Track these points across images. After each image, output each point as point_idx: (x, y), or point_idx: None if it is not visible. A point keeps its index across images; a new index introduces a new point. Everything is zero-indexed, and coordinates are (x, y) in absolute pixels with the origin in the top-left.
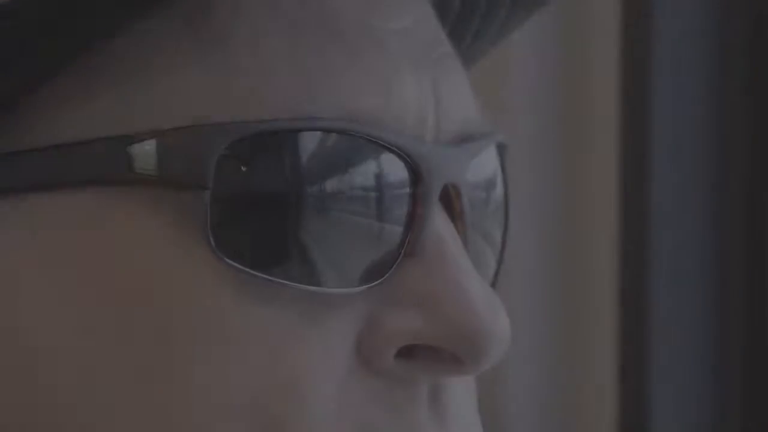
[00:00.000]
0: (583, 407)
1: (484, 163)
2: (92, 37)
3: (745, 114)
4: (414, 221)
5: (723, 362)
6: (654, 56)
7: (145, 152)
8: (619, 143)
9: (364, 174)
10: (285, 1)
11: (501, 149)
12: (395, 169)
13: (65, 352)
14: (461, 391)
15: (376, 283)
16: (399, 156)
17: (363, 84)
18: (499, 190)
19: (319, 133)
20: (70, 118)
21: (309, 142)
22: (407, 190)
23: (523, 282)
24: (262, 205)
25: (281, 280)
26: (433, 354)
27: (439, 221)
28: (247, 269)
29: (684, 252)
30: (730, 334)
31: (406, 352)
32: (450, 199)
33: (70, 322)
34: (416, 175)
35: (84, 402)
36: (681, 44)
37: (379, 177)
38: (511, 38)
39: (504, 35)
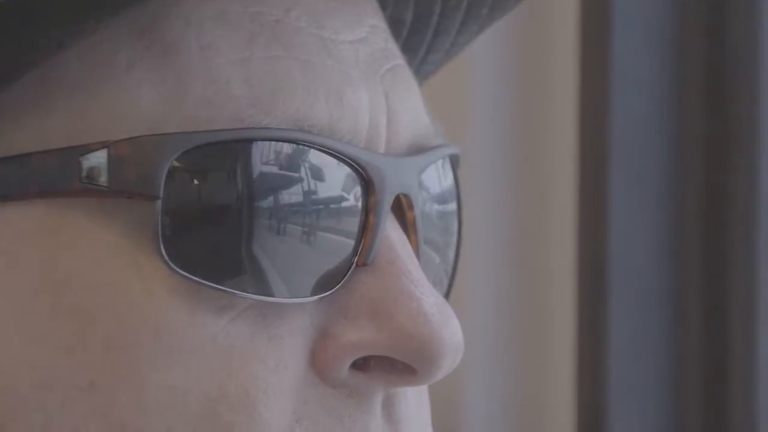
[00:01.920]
0: (540, 417)
1: (437, 174)
2: (44, 49)
3: (702, 128)
4: (366, 231)
5: (681, 368)
6: (612, 66)
7: (96, 163)
8: (578, 152)
9: (316, 184)
10: (236, 14)
11: (453, 161)
12: (347, 180)
13: (16, 362)
14: (414, 403)
15: (328, 292)
16: (351, 166)
17: (315, 95)
18: (451, 201)
19: (271, 143)
20: (23, 130)
21: (261, 153)
22: (359, 200)
23: (479, 292)
24: (213, 215)
25: (233, 291)
26: (386, 364)
27: (390, 231)
28: (198, 280)
29: (642, 261)
30: (689, 339)
31: (361, 363)
32: (402, 210)
33: (22, 332)
34: (368, 185)
35: (35, 413)
36: (639, 50)
37: (331, 187)
38: (467, 50)
39: (458, 49)
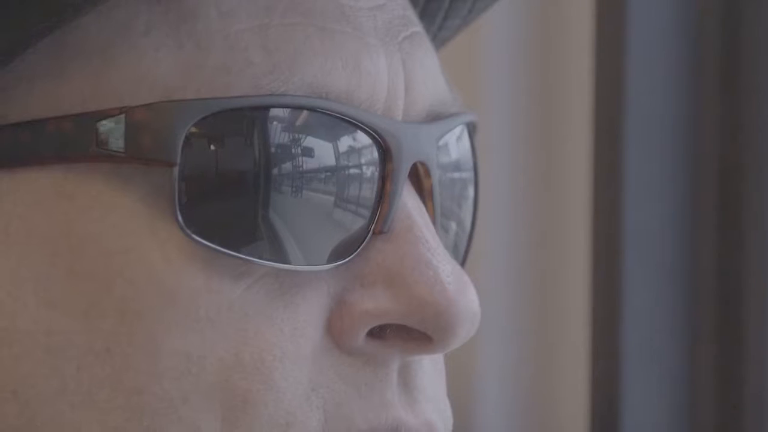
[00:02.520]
0: (553, 388)
1: (454, 143)
2: (60, 13)
3: (718, 126)
4: (383, 199)
5: (695, 353)
6: (629, 33)
7: (113, 129)
8: (594, 126)
9: (333, 152)
10: None
11: (471, 128)
12: (365, 147)
13: (32, 327)
14: (430, 372)
15: (344, 261)
16: (368, 134)
17: (334, 62)
18: (468, 169)
19: (288, 110)
20: (40, 95)
21: (278, 120)
22: (376, 167)
23: (495, 262)
24: (230, 182)
25: (249, 258)
26: (403, 332)
27: (407, 199)
28: (214, 246)
29: (657, 241)
30: (702, 326)
31: (377, 331)
32: (419, 178)
33: (37, 296)
34: (386, 153)
35: (50, 378)
36: (656, 27)
37: (348, 155)
38: (483, 18)
39: (476, 14)
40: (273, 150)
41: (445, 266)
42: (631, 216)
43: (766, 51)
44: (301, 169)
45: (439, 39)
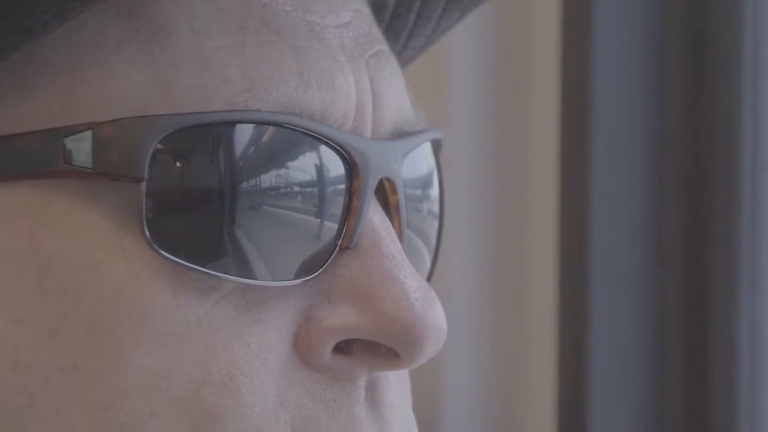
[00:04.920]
0: (521, 404)
1: (419, 159)
2: (28, 29)
3: (683, 119)
4: (349, 215)
5: (662, 362)
6: (594, 51)
7: (81, 145)
8: (559, 139)
9: (300, 168)
10: None
11: (436, 145)
12: (332, 163)
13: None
14: (397, 388)
15: (311, 276)
16: (335, 150)
17: (309, 81)
18: (434, 185)
19: (256, 126)
20: (8, 111)
21: (246, 135)
22: (343, 183)
23: (461, 277)
24: (197, 198)
25: (216, 273)
26: (369, 348)
27: (374, 215)
28: (182, 262)
29: (624, 259)
30: (670, 335)
31: (344, 347)
32: (386, 194)
33: (5, 313)
34: (352, 169)
35: (18, 395)
36: (621, 42)
37: (315, 171)
38: (449, 36)
39: (439, 34)
40: (240, 166)
41: (412, 282)
42: (598, 232)
43: (733, 65)
44: (268, 185)
45: (403, 58)
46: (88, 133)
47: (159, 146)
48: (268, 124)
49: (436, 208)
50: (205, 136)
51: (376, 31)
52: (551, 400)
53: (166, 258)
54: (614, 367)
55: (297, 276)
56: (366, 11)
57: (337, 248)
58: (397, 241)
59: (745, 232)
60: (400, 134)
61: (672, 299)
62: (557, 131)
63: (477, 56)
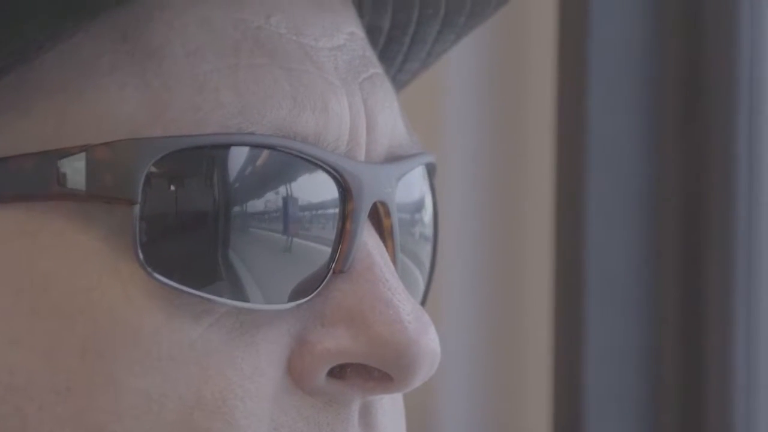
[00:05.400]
0: (516, 427)
1: (413, 183)
2: (22, 51)
3: (679, 134)
4: (343, 238)
5: (657, 380)
6: (589, 72)
7: (75, 167)
8: (555, 162)
9: (294, 191)
10: (220, 20)
11: (430, 169)
12: (326, 187)
13: None
14: (390, 411)
15: (305, 299)
16: (329, 173)
17: (303, 104)
18: (428, 209)
19: (251, 149)
20: (1, 133)
21: (239, 158)
22: (337, 207)
23: (456, 300)
24: (191, 220)
25: (210, 296)
26: (363, 372)
27: (368, 238)
28: (175, 285)
29: (619, 268)
30: (665, 351)
31: (337, 371)
32: (380, 218)
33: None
34: (346, 193)
35: (11, 417)
36: (617, 55)
37: (309, 194)
38: (444, 58)
39: (435, 57)
40: (234, 189)
41: (406, 305)
42: (594, 254)
43: (726, 86)
44: (261, 208)
45: (398, 81)
46: (82, 156)
47: (153, 169)
48: (262, 147)
49: (429, 231)
50: (199, 158)
51: (371, 55)
52: (546, 424)
53: (160, 281)
54: (609, 391)
55: (290, 299)
56: (360, 34)
57: (331, 272)
58: (391, 264)
59: (741, 245)
60: (394, 158)
61: (668, 319)
62: (553, 155)
63: (472, 80)
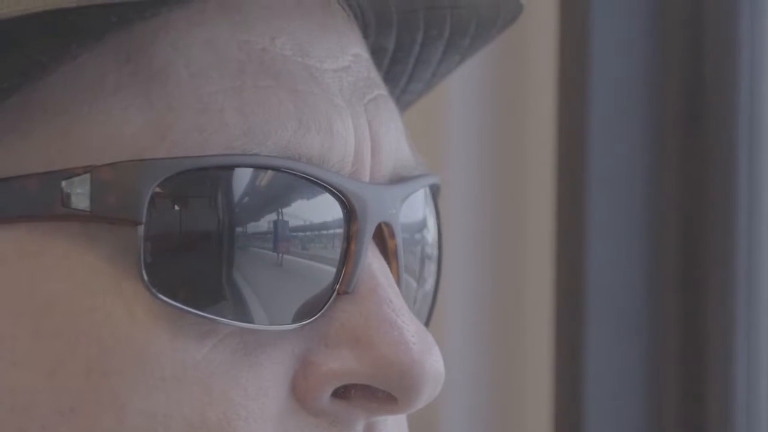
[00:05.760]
0: None
1: (418, 204)
2: (27, 72)
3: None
4: (347, 259)
5: (659, 395)
6: (591, 97)
7: (79, 188)
8: (556, 183)
9: (299, 212)
10: (224, 42)
11: (434, 190)
12: (330, 208)
13: None
14: (394, 430)
15: (309, 320)
16: (334, 195)
17: (308, 126)
18: (432, 230)
19: (255, 170)
20: (5, 153)
21: (244, 179)
22: (342, 228)
23: (460, 321)
24: (195, 241)
25: (214, 317)
26: (367, 392)
27: (372, 259)
28: (180, 305)
29: (621, 303)
30: (667, 371)
31: (342, 392)
32: (384, 239)
33: (2, 355)
34: (351, 214)
35: None
36: (617, 84)
37: (313, 215)
38: (448, 79)
39: (439, 78)
40: (238, 210)
41: (410, 326)
42: (595, 275)
43: (727, 110)
44: (265, 229)
45: (402, 102)
46: (86, 176)
47: (157, 189)
48: (267, 168)
49: (434, 252)
50: (204, 179)
51: (375, 76)
52: None
53: (164, 301)
54: (609, 413)
55: (295, 320)
56: (365, 56)
57: (335, 293)
58: (395, 285)
59: (742, 252)
60: (399, 179)
61: (668, 326)
62: (554, 175)
63: (475, 101)
